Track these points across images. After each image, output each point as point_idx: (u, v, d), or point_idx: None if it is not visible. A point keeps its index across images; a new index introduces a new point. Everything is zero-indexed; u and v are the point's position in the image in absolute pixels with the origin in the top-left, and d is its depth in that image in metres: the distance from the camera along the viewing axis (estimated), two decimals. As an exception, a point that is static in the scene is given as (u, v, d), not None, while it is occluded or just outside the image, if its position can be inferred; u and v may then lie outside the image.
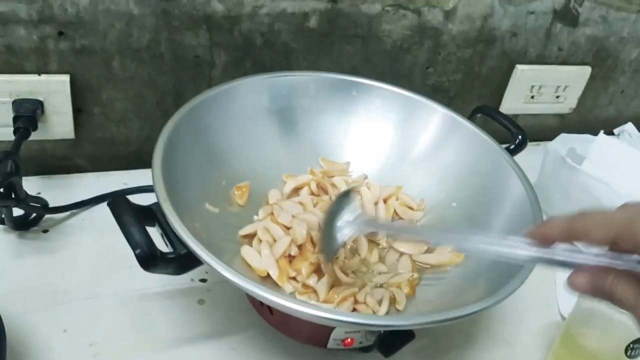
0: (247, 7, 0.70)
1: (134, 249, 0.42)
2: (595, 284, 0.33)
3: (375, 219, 0.57)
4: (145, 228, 0.43)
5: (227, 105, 0.61)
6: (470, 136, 0.63)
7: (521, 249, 0.36)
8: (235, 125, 0.61)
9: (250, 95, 0.63)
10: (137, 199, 0.50)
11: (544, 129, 0.94)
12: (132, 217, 0.43)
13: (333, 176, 0.64)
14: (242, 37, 0.71)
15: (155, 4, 0.66)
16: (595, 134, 0.75)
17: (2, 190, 0.54)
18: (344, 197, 0.52)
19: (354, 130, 0.67)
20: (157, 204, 0.47)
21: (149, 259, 0.42)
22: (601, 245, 0.33)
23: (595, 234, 0.33)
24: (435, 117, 0.65)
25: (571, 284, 0.34)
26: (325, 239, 0.51)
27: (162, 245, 0.47)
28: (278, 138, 0.65)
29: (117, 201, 0.45)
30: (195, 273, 0.61)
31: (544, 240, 0.35)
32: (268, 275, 0.53)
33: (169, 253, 0.44)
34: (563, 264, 0.35)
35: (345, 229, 0.50)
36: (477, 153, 0.62)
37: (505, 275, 0.48)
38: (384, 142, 0.66)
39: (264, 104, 0.64)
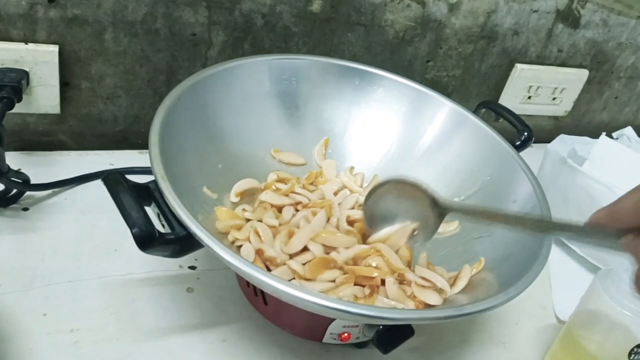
0: (249, -15, 0.67)
1: (131, 228, 0.39)
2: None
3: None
4: (143, 207, 0.41)
5: (227, 85, 0.58)
6: (477, 132, 0.61)
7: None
8: (234, 107, 0.59)
9: (251, 77, 0.60)
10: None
11: (538, 131, 0.93)
12: (129, 194, 0.40)
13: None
14: (242, 17, 0.69)
15: (154, -24, 0.63)
16: (587, 137, 0.75)
17: (-18, 162, 0.51)
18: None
19: (356, 119, 0.65)
20: (154, 183, 0.44)
21: (147, 239, 0.39)
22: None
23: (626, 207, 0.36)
24: (441, 110, 0.63)
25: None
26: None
27: (158, 226, 0.44)
28: (278, 123, 0.62)
29: (113, 177, 0.41)
30: (184, 259, 0.58)
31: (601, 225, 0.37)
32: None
33: (168, 234, 0.41)
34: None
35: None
36: (484, 149, 0.60)
37: (514, 273, 0.46)
38: (386, 133, 0.64)
39: (265, 87, 0.61)
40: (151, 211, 0.45)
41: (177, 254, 0.42)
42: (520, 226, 0.49)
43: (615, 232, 0.36)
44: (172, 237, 0.41)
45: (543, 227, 0.48)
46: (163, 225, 0.44)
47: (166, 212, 0.43)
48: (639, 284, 0.34)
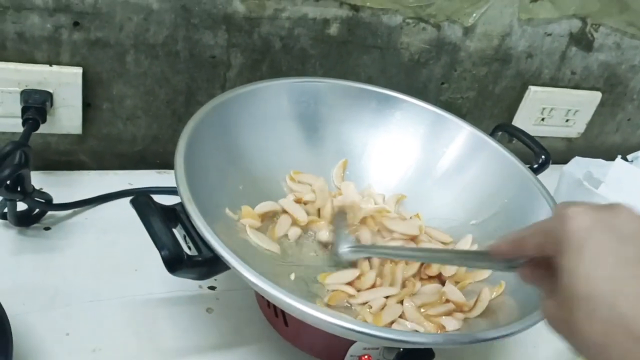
0: (268, 9, 0.68)
1: (160, 250, 0.39)
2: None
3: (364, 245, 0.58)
4: (171, 229, 0.41)
5: (247, 107, 0.59)
6: (495, 155, 0.61)
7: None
8: (254, 129, 0.59)
9: (271, 99, 0.61)
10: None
11: (551, 152, 0.93)
12: (158, 217, 0.41)
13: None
14: (260, 39, 0.70)
15: (176, 0, 0.64)
16: (601, 159, 0.76)
17: (8, 182, 0.51)
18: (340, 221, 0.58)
19: (374, 141, 0.65)
20: (180, 205, 0.44)
21: (176, 262, 0.39)
22: (536, 253, 0.35)
23: (529, 243, 0.35)
24: (460, 134, 0.64)
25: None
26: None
27: (184, 247, 0.45)
28: (297, 144, 0.63)
29: (141, 200, 0.42)
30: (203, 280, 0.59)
31: (500, 256, 0.38)
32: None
33: (196, 256, 0.42)
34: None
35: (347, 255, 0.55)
36: (502, 172, 0.60)
37: (534, 298, 0.46)
38: (404, 155, 0.65)
39: (284, 109, 0.62)
40: (177, 233, 0.45)
41: (203, 276, 0.42)
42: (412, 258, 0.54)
43: (513, 262, 0.38)
44: (200, 259, 0.42)
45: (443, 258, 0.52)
46: (189, 248, 0.45)
47: (192, 234, 0.44)
48: (546, 314, 0.33)
